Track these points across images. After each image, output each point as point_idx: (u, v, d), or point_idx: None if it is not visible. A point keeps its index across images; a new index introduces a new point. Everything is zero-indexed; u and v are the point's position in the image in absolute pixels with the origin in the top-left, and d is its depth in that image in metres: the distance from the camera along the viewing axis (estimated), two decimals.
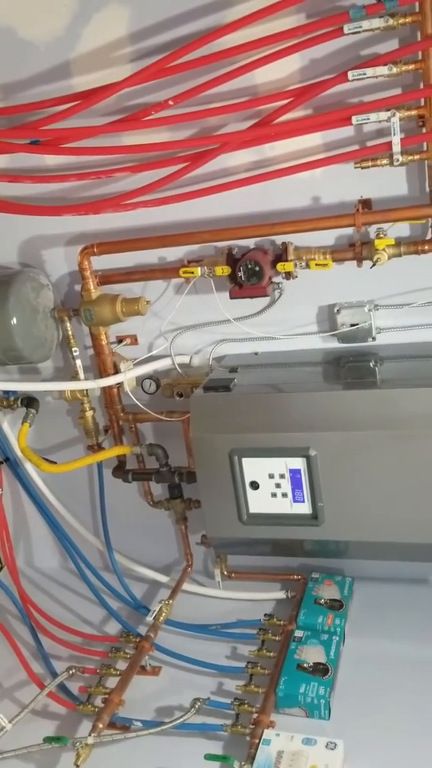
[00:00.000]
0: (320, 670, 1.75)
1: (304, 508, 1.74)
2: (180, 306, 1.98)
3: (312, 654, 1.80)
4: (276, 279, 1.88)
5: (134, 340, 2.10)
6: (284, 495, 1.74)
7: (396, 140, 1.67)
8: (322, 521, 1.73)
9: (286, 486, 1.73)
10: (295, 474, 1.72)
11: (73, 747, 1.60)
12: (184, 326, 2.03)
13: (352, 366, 1.85)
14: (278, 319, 1.95)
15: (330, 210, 1.82)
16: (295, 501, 1.74)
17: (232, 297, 1.86)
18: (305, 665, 1.77)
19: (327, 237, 1.84)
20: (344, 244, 1.83)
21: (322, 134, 1.78)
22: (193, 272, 1.87)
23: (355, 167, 1.72)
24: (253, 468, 1.74)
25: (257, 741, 1.57)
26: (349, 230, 1.81)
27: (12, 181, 2.00)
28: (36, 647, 2.05)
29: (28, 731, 1.72)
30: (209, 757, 1.57)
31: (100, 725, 1.67)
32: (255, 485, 1.75)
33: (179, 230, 1.92)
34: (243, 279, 1.81)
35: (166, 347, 2.03)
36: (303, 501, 1.73)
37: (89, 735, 1.63)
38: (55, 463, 2.08)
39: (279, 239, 1.85)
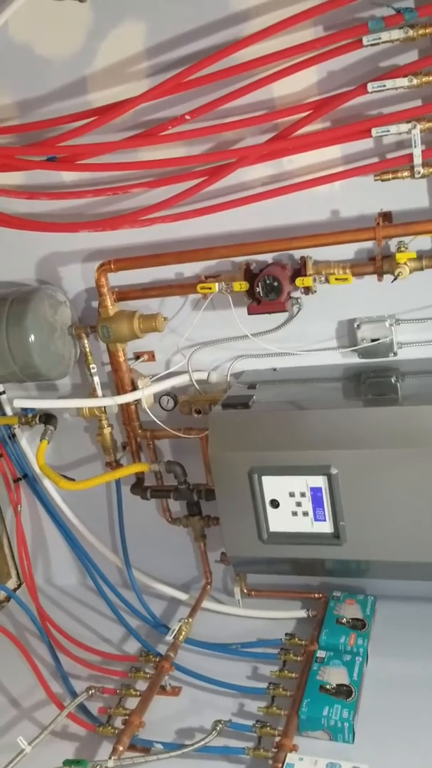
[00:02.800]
0: (343, 692, 1.72)
1: (326, 527, 1.71)
2: (197, 322, 1.96)
3: (335, 675, 1.77)
4: (294, 294, 1.86)
5: (152, 357, 2.09)
6: (305, 514, 1.71)
7: (417, 152, 1.65)
8: (344, 540, 1.69)
9: (307, 504, 1.70)
10: (316, 492, 1.69)
11: None
12: (202, 342, 2.01)
13: (372, 382, 1.82)
14: (297, 334, 1.92)
15: (349, 223, 1.80)
16: (316, 520, 1.71)
17: (250, 313, 1.84)
18: (328, 687, 1.73)
19: (347, 251, 1.82)
20: (364, 258, 1.81)
21: (341, 147, 1.76)
22: (210, 288, 1.85)
23: (375, 180, 1.70)
24: (273, 486, 1.72)
25: (280, 765, 1.54)
26: (369, 244, 1.79)
27: (29, 198, 2.00)
28: (55, 666, 2.03)
29: (47, 754, 1.70)
30: None
31: (121, 748, 1.64)
32: (275, 503, 1.73)
33: (196, 245, 1.91)
34: (261, 294, 1.79)
35: (183, 364, 2.02)
36: (324, 520, 1.70)
37: (109, 758, 1.61)
38: (73, 480, 2.07)
39: (297, 254, 1.83)
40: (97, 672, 2.00)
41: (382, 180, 1.70)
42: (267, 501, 1.73)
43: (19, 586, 2.47)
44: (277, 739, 1.62)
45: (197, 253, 1.88)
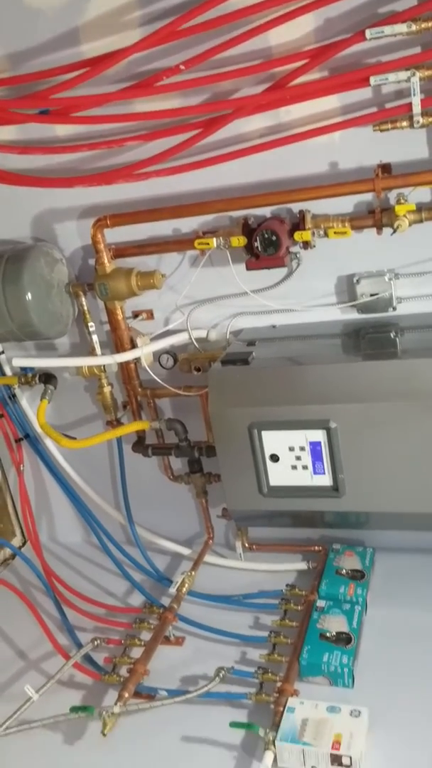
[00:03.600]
0: (343, 639, 1.76)
1: (325, 480, 1.73)
2: (195, 279, 1.95)
3: (334, 623, 1.81)
4: (293, 249, 1.85)
5: (150, 315, 2.08)
6: (304, 467, 1.73)
7: (416, 101, 1.62)
8: (343, 493, 1.72)
9: (307, 458, 1.72)
10: (315, 446, 1.70)
11: (100, 716, 1.63)
12: (200, 300, 2.00)
13: (372, 337, 1.82)
14: (296, 290, 1.92)
15: (348, 176, 1.78)
16: (315, 473, 1.73)
17: (248, 268, 1.83)
18: (328, 634, 1.77)
19: (345, 204, 1.80)
20: (363, 212, 1.79)
21: (339, 97, 1.73)
22: (208, 243, 1.84)
23: (374, 130, 1.68)
24: (272, 441, 1.73)
25: (282, 709, 1.59)
26: (369, 197, 1.77)
27: (22, 152, 1.97)
28: (61, 619, 2.06)
29: (55, 702, 1.74)
30: (234, 725, 1.59)
31: (126, 695, 1.69)
32: (275, 458, 1.75)
33: (193, 200, 1.88)
34: (259, 249, 1.78)
35: (182, 321, 2.01)
36: (323, 473, 1.72)
37: (115, 704, 1.65)
38: (74, 438, 2.08)
39: (296, 207, 1.81)
40: (102, 624, 2.04)
41: (381, 130, 1.68)
42: (267, 455, 1.75)
43: (24, 544, 2.51)
44: (279, 684, 1.67)
45: (194, 207, 1.86)
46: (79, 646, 1.95)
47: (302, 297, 1.92)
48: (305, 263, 1.88)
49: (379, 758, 1.48)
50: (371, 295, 1.83)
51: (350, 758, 1.45)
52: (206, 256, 1.91)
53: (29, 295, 1.93)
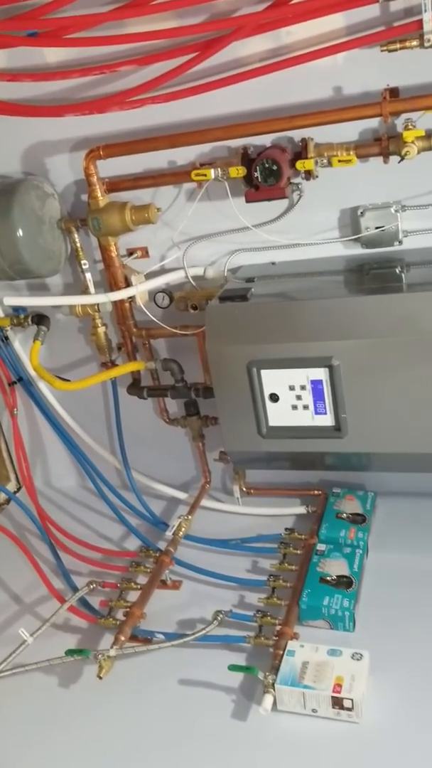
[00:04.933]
0: (344, 582, 1.73)
1: (327, 420, 1.68)
2: (192, 214, 1.87)
3: (335, 567, 1.78)
4: (295, 179, 1.76)
5: (145, 253, 2.00)
6: (305, 407, 1.68)
7: (427, 17, 1.53)
8: (345, 433, 1.67)
9: (308, 398, 1.67)
10: (316, 385, 1.65)
11: (96, 659, 1.60)
12: (198, 236, 1.92)
13: (376, 273, 1.74)
14: (297, 224, 1.83)
15: (353, 101, 1.68)
16: (316, 413, 1.68)
17: (248, 200, 1.75)
18: (328, 578, 1.74)
19: (350, 132, 1.71)
20: (369, 139, 1.70)
21: (345, 15, 1.62)
22: (205, 175, 1.75)
23: (382, 51, 1.58)
24: (272, 380, 1.68)
25: (281, 652, 1.56)
26: (374, 124, 1.69)
27: (11, 80, 1.87)
28: (56, 563, 2.03)
29: (50, 645, 1.72)
30: (233, 668, 1.56)
31: (122, 638, 1.66)
32: (275, 398, 1.69)
33: (190, 129, 1.79)
34: (259, 180, 1.69)
35: (178, 258, 1.93)
36: (325, 413, 1.67)
37: (111, 647, 1.63)
38: (68, 380, 2.03)
39: (298, 135, 1.72)
40: (97, 568, 2.01)
41: (389, 51, 1.58)
42: (266, 395, 1.69)
43: (19, 489, 2.47)
44: (278, 627, 1.64)
45: (191, 135, 1.77)
46: (75, 589, 1.93)
47: (303, 231, 1.84)
48: (307, 195, 1.79)
49: (380, 700, 1.46)
50: (376, 228, 1.76)
51: (352, 701, 1.43)
52: (203, 189, 1.82)
53: (20, 231, 1.85)
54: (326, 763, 1.39)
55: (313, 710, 1.47)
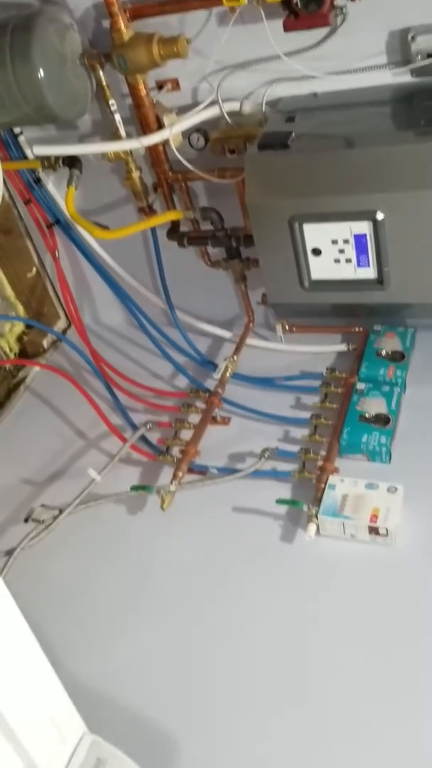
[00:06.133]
0: (381, 420, 1.83)
1: (369, 273, 1.67)
2: (225, 41, 1.69)
3: (373, 405, 1.87)
4: (339, 1, 1.58)
5: (176, 85, 1.86)
6: (348, 261, 1.67)
7: None
8: (388, 286, 1.67)
9: (351, 252, 1.65)
10: (360, 239, 1.62)
11: (158, 494, 1.78)
12: (232, 65, 1.77)
13: (427, 105, 1.61)
14: (340, 51, 1.67)
15: None
16: (359, 266, 1.67)
17: (286, 29, 1.59)
18: (367, 416, 1.85)
19: None
20: None
21: None
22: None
23: None
24: (314, 234, 1.65)
25: (323, 486, 1.71)
26: None
27: None
28: (112, 401, 2.15)
29: (115, 480, 1.90)
30: (280, 501, 1.73)
31: (180, 474, 1.82)
32: (317, 252, 1.68)
33: None
34: (299, 6, 1.52)
35: (212, 91, 1.80)
36: (368, 266, 1.66)
37: (171, 483, 1.80)
38: (107, 227, 2.01)
39: None
40: (151, 408, 2.15)
41: None
42: (309, 249, 1.68)
43: (69, 326, 2.56)
44: (320, 463, 1.79)
45: None
46: (133, 426, 2.08)
47: (347, 58, 1.67)
48: (351, 17, 1.61)
49: (412, 529, 1.61)
50: (429, 55, 1.59)
51: (386, 529, 1.60)
52: (236, 13, 1.64)
53: (41, 72, 1.72)
54: (363, 579, 1.58)
55: (352, 535, 1.66)
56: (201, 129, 1.85)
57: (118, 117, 1.87)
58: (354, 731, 1.32)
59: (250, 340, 2.22)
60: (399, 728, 1.31)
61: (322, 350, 2.13)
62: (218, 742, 1.38)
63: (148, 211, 2.05)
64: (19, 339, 2.50)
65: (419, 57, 1.60)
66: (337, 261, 1.67)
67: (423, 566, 1.56)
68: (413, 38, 1.59)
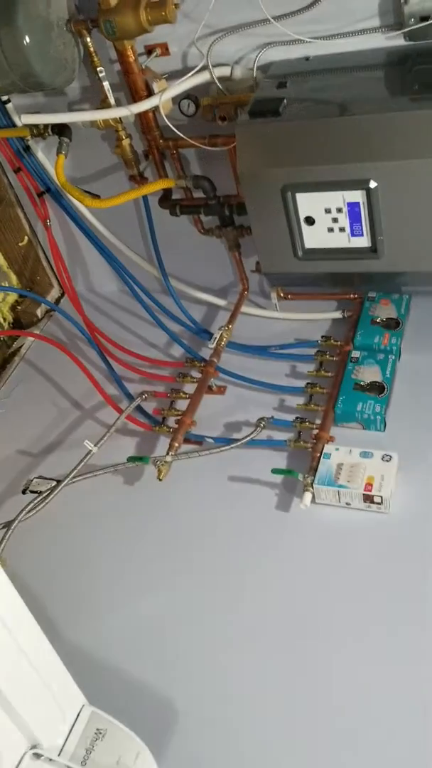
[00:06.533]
0: (376, 388, 1.84)
1: (363, 241, 1.67)
2: (215, 5, 1.66)
3: (368, 374, 1.88)
4: None
5: (165, 50, 1.82)
6: (342, 230, 1.66)
7: None
8: (382, 255, 1.66)
9: (344, 220, 1.64)
10: (353, 208, 1.61)
11: (155, 464, 1.79)
12: (222, 29, 1.73)
13: (420, 69, 1.58)
14: (332, 13, 1.63)
15: None
16: (353, 235, 1.66)
17: None
18: (362, 384, 1.86)
19: None
20: None
21: None
22: None
23: None
24: (308, 203, 1.64)
25: (318, 455, 1.73)
26: None
27: None
28: (107, 371, 2.15)
29: (111, 450, 1.91)
30: (276, 471, 1.75)
31: (176, 444, 1.83)
32: (310, 221, 1.66)
33: None
34: None
35: (202, 56, 1.76)
36: (362, 235, 1.65)
37: (167, 454, 1.81)
38: (98, 197, 1.99)
39: None
40: (146, 377, 2.15)
41: None
42: (302, 218, 1.66)
43: (62, 295, 2.55)
44: (315, 432, 1.80)
45: None
46: (128, 396, 2.08)
47: (339, 21, 1.65)
48: None
49: (406, 497, 1.64)
50: (422, 18, 1.56)
51: (381, 497, 1.63)
52: None
53: (27, 39, 1.68)
54: (358, 546, 1.61)
55: (347, 503, 1.69)
56: (191, 95, 1.82)
57: (106, 84, 1.83)
58: (353, 696, 1.36)
59: (245, 308, 2.22)
60: (398, 691, 1.35)
61: (317, 317, 2.12)
62: (217, 711, 1.41)
63: (139, 179, 2.03)
64: (13, 308, 2.49)
65: (412, 20, 1.57)
66: (330, 230, 1.66)
67: (417, 533, 1.58)
68: (406, 1, 1.55)
